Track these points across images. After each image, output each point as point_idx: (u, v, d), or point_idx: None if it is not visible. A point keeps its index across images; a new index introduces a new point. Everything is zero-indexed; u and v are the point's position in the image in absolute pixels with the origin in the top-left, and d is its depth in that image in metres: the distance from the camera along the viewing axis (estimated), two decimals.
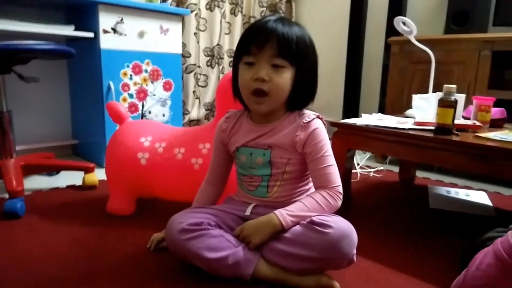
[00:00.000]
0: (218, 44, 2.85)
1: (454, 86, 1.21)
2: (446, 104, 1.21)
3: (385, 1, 2.53)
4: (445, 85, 1.22)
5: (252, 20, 3.05)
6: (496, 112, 1.49)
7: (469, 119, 1.49)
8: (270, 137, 1.01)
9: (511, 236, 0.72)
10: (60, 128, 2.30)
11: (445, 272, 1.06)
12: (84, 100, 2.17)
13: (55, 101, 2.26)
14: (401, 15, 2.36)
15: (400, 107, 2.16)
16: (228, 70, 2.88)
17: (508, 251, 0.70)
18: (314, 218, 0.92)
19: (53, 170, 1.90)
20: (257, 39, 0.94)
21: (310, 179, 1.06)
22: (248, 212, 1.05)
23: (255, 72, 0.94)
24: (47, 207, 1.47)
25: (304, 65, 0.97)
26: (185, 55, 2.65)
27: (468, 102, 1.58)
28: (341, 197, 0.99)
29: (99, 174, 1.73)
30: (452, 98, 1.21)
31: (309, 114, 1.02)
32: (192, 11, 2.63)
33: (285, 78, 0.95)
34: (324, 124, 1.03)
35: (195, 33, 2.69)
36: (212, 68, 2.86)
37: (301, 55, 0.96)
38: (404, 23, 1.72)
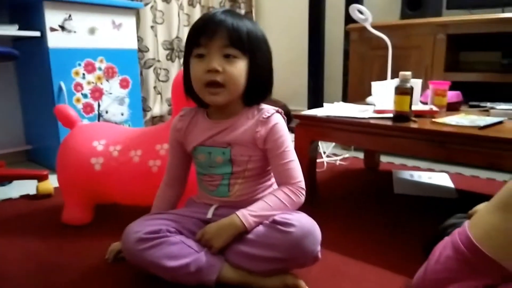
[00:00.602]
0: (177, 37, 2.77)
1: (409, 73, 1.21)
2: (402, 91, 1.21)
3: None
4: (401, 72, 1.22)
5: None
6: (452, 96, 1.51)
7: (427, 103, 1.50)
8: (228, 134, 0.98)
9: (468, 226, 0.72)
10: (12, 134, 2.18)
11: (411, 260, 1.07)
12: (35, 103, 2.06)
13: (4, 106, 2.14)
14: (357, 1, 2.36)
15: (363, 93, 2.16)
16: None
17: (466, 242, 0.69)
18: (277, 217, 0.90)
19: (4, 181, 1.79)
20: (206, 30, 0.90)
21: (272, 174, 1.03)
22: (209, 215, 1.01)
23: (207, 63, 0.90)
24: None
25: (257, 56, 0.94)
26: (142, 50, 2.56)
27: (426, 86, 1.59)
28: (304, 192, 0.97)
29: (55, 181, 1.64)
30: (408, 85, 1.21)
31: (268, 109, 0.99)
32: (147, 4, 2.54)
33: (239, 68, 0.92)
34: (284, 118, 1.00)
35: (152, 27, 2.60)
36: (173, 62, 2.79)
37: (253, 46, 0.93)
38: (360, 11, 1.71)
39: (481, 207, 0.84)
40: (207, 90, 0.93)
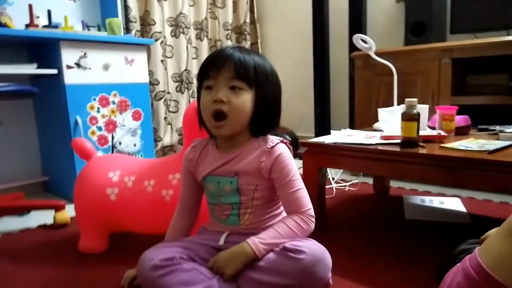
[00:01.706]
0: (186, 69, 2.86)
1: (415, 99, 1.23)
2: (409, 117, 1.23)
3: (345, 17, 2.59)
4: (406, 99, 1.25)
5: (218, 44, 3.07)
6: (460, 120, 1.51)
7: (435, 128, 1.51)
8: (236, 164, 1.01)
9: (478, 252, 0.72)
10: (30, 166, 2.25)
11: (423, 286, 1.07)
12: (52, 136, 2.13)
13: (22, 139, 2.22)
14: (361, 29, 2.43)
15: (369, 119, 2.19)
16: None
17: (477, 269, 0.70)
18: (287, 245, 0.92)
19: (22, 211, 1.84)
20: (215, 63, 0.96)
21: (281, 203, 1.05)
22: (221, 242, 1.03)
23: (214, 94, 0.95)
24: (18, 250, 1.43)
25: (264, 89, 0.98)
26: (153, 83, 2.64)
27: (433, 111, 1.61)
28: (313, 220, 0.99)
29: (72, 211, 1.68)
30: (414, 111, 1.23)
31: (272, 139, 1.02)
32: (157, 40, 2.63)
33: (244, 100, 0.96)
34: (289, 147, 1.03)
35: (162, 61, 2.69)
36: (182, 93, 2.86)
37: (260, 79, 0.97)
38: (363, 40, 1.75)
39: (493, 232, 0.84)
40: (213, 124, 0.97)
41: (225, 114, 0.95)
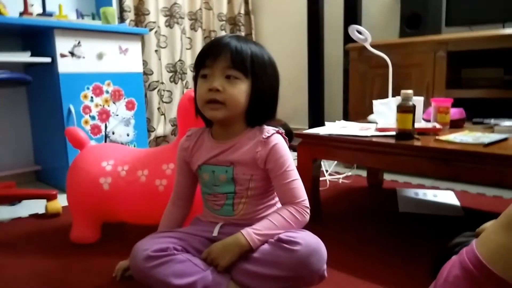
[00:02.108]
0: (180, 60, 2.83)
1: (411, 91, 1.23)
2: (405, 109, 1.22)
3: (341, 9, 2.58)
4: (402, 91, 1.24)
5: (213, 34, 3.05)
6: (455, 113, 1.52)
7: (430, 121, 1.52)
8: (231, 153, 1.00)
9: (475, 244, 0.72)
10: (22, 155, 2.24)
11: (417, 279, 1.07)
12: (45, 125, 2.11)
13: (15, 128, 2.20)
14: (356, 21, 2.41)
15: (364, 111, 2.19)
16: (192, 84, 2.87)
17: (474, 262, 0.69)
18: (282, 236, 0.91)
19: (14, 200, 1.83)
20: (211, 52, 0.95)
21: (275, 193, 1.05)
22: (215, 233, 1.02)
23: (210, 83, 0.95)
24: (8, 239, 1.41)
25: (260, 79, 0.97)
26: (147, 73, 2.62)
27: (428, 104, 1.61)
28: (308, 211, 0.98)
29: (63, 201, 1.67)
30: (410, 103, 1.23)
31: (268, 129, 1.01)
32: (151, 29, 2.61)
33: (240, 89, 0.95)
34: (285, 138, 1.02)
35: (156, 51, 2.66)
36: (176, 83, 2.84)
37: (257, 69, 0.96)
38: (359, 31, 1.74)
39: (488, 225, 0.84)
40: (208, 106, 0.96)
41: (220, 103, 0.94)
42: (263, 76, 0.97)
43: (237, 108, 0.97)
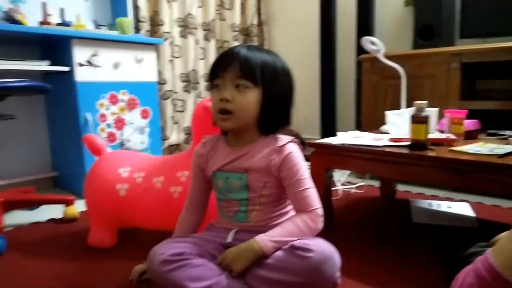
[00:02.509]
0: (193, 70, 2.87)
1: (425, 102, 1.24)
2: (418, 120, 1.23)
3: (353, 20, 2.59)
4: (416, 102, 1.25)
5: (226, 45, 3.09)
6: (470, 124, 1.51)
7: (443, 132, 1.51)
8: (246, 160, 1.02)
9: (490, 254, 0.72)
10: (40, 162, 2.28)
11: None
12: (62, 133, 2.16)
13: (33, 135, 2.24)
14: (369, 32, 2.42)
15: (376, 122, 2.19)
16: (205, 94, 2.90)
17: (488, 270, 0.70)
18: (296, 243, 0.92)
19: (33, 205, 1.87)
20: (222, 63, 0.98)
21: (289, 201, 1.06)
22: (229, 239, 1.04)
23: (221, 93, 0.97)
24: (28, 242, 1.45)
25: (271, 87, 0.98)
26: (161, 82, 2.66)
27: (441, 115, 1.61)
28: (322, 219, 0.99)
29: (80, 206, 1.71)
30: (424, 114, 1.23)
31: (282, 138, 1.02)
32: (166, 39, 2.65)
33: (249, 98, 0.97)
34: (299, 147, 1.04)
35: (170, 60, 2.71)
36: (189, 93, 2.88)
37: (267, 77, 0.98)
38: (372, 43, 1.76)
39: (503, 235, 0.84)
40: (219, 116, 0.99)
41: (230, 112, 0.97)
42: (273, 84, 0.99)
43: (247, 117, 0.99)
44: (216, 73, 0.99)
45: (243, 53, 0.97)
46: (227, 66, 0.96)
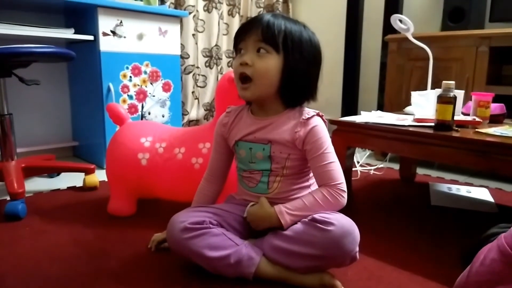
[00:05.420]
0: (216, 45, 2.85)
1: (453, 82, 1.21)
2: (445, 100, 1.21)
3: (381, 1, 2.53)
4: (444, 82, 1.22)
5: None
6: (496, 108, 1.49)
7: (468, 115, 1.49)
8: (269, 131, 1.01)
9: None
10: (61, 130, 2.31)
11: (448, 269, 1.07)
12: (84, 102, 2.18)
13: (55, 103, 2.27)
14: (397, 12, 2.36)
15: (399, 104, 2.17)
16: (227, 70, 2.89)
17: None
18: (316, 216, 0.92)
19: (53, 172, 1.90)
20: (246, 27, 0.98)
21: (311, 175, 1.05)
22: (246, 214, 1.04)
23: (242, 57, 0.97)
24: (48, 209, 1.47)
25: (293, 56, 0.96)
26: (183, 56, 2.65)
27: (467, 98, 1.58)
28: (344, 195, 0.97)
29: (100, 176, 1.74)
30: (451, 94, 1.21)
31: (308, 111, 1.01)
32: (190, 13, 2.63)
33: (269, 63, 0.95)
34: (325, 122, 1.03)
35: (193, 35, 2.69)
36: (211, 68, 2.87)
37: (290, 45, 0.96)
38: (401, 21, 1.72)
39: None
40: (240, 85, 0.99)
41: (249, 77, 0.96)
42: (297, 53, 0.97)
43: (266, 84, 0.97)
44: (240, 37, 0.99)
45: (267, 18, 0.96)
46: (250, 29, 0.96)
